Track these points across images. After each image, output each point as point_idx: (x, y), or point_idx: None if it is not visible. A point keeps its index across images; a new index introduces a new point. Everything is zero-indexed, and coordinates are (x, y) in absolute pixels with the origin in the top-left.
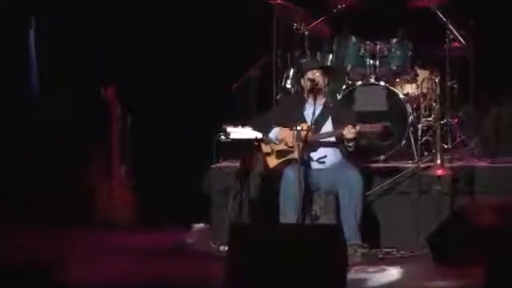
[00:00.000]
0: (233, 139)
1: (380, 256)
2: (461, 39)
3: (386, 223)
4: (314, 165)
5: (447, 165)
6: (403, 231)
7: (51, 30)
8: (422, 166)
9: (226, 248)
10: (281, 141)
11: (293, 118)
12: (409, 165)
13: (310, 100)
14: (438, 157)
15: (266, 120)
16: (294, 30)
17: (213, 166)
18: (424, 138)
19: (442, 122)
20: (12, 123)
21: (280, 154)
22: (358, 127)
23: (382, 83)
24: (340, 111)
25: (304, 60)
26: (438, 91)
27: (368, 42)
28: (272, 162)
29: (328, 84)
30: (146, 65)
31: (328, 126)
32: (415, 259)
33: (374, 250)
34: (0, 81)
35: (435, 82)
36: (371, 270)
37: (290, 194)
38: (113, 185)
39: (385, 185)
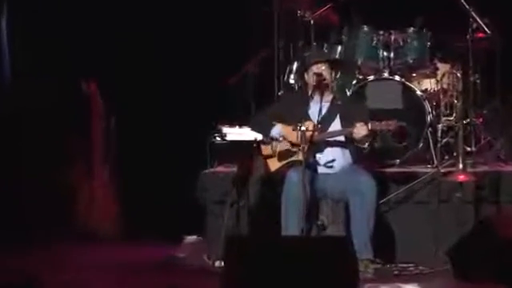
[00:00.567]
0: (229, 141)
1: (395, 272)
2: (485, 28)
3: (402, 235)
4: (321, 169)
5: (470, 170)
6: (421, 244)
7: (24, 17)
8: (442, 171)
9: (222, 263)
10: (284, 137)
11: (297, 116)
12: (427, 170)
13: (316, 97)
14: (460, 161)
15: (266, 119)
16: (298, 18)
17: (207, 171)
18: (444, 140)
19: (464, 122)
20: None
21: (282, 155)
22: (370, 125)
23: (396, 78)
24: (349, 109)
25: (309, 52)
26: (460, 87)
27: (381, 32)
28: (273, 164)
29: (336, 79)
30: (130, 57)
31: (336, 126)
32: (434, 276)
33: (388, 266)
34: None
35: (457, 77)
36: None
37: (293, 201)
38: (94, 189)
39: (400, 192)
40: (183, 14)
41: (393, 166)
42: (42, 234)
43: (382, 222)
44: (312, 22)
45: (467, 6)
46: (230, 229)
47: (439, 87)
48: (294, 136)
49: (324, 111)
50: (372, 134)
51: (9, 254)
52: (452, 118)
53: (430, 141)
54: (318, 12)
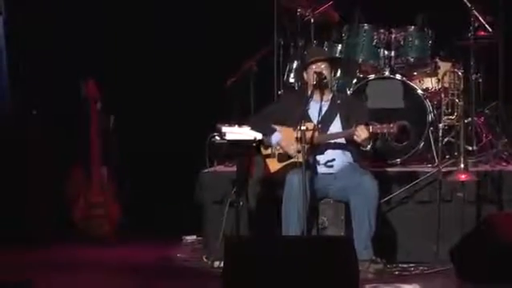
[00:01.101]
0: (228, 140)
1: (396, 272)
2: (487, 27)
3: (403, 235)
4: (321, 169)
5: (472, 169)
6: (422, 244)
7: (24, 17)
8: (444, 170)
9: (221, 264)
10: (283, 147)
11: (296, 116)
12: (428, 169)
13: (316, 96)
14: (462, 160)
15: (265, 118)
16: (298, 17)
17: (206, 171)
18: (446, 139)
19: (466, 121)
20: None
21: (282, 156)
22: (371, 128)
23: (397, 77)
24: (350, 108)
25: (308, 51)
26: (462, 86)
27: (382, 30)
28: (273, 165)
29: (336, 78)
30: (130, 57)
31: (336, 125)
32: (436, 276)
33: (389, 266)
34: None
35: (458, 76)
36: None
37: (293, 202)
38: (92, 189)
39: (401, 192)
40: (183, 13)
41: (394, 165)
42: (42, 234)
43: (383, 221)
44: (312, 20)
45: (469, 4)
46: (229, 230)
47: (440, 86)
48: (293, 146)
49: (324, 110)
50: (373, 136)
51: (9, 254)
52: (453, 117)
53: (432, 140)
54: (319, 10)
